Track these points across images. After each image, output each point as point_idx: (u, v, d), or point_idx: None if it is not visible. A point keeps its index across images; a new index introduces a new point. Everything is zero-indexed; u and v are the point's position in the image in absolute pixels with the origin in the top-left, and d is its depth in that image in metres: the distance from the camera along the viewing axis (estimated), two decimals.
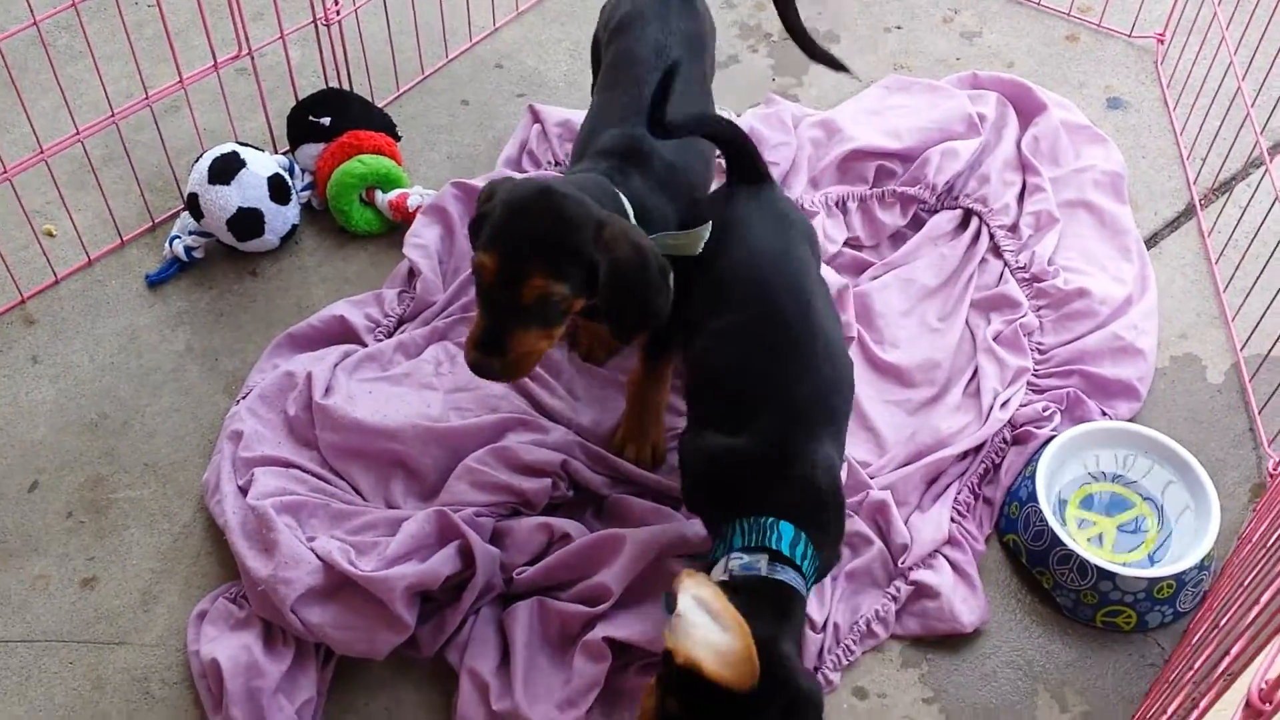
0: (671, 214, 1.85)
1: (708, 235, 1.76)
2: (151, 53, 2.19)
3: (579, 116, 2.37)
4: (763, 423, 1.64)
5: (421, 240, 2.20)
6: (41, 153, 2.10)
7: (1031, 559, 1.89)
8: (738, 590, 1.52)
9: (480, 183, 2.25)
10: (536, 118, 2.40)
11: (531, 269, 1.61)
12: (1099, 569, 1.81)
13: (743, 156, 1.87)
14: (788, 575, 1.56)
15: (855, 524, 1.91)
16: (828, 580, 1.86)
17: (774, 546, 1.57)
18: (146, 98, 2.14)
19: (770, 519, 1.58)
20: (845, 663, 1.83)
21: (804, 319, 1.70)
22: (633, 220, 1.75)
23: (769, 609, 1.52)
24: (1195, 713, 1.29)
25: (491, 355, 1.64)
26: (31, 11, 1.99)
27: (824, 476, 1.63)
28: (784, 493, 1.61)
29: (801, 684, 1.48)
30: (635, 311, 1.69)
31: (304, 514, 1.88)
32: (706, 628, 1.39)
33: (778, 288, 1.73)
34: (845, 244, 2.23)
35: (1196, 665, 1.51)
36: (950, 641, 1.85)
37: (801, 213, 1.92)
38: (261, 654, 1.78)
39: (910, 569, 1.88)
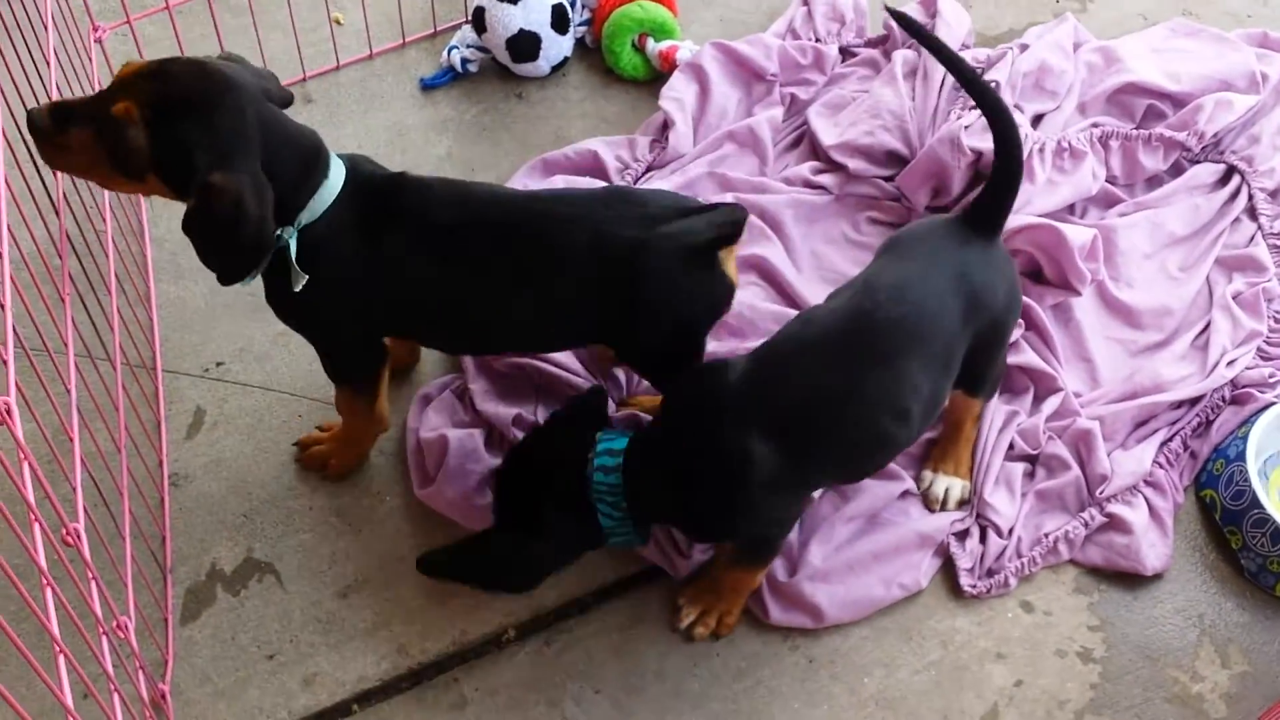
0: (348, 254, 1.62)
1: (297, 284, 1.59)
2: None
3: None
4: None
5: (678, 94, 2.25)
6: None
7: (1225, 517, 1.90)
8: None
9: (744, 46, 2.30)
10: (806, 1, 2.43)
11: (132, 94, 1.48)
12: None
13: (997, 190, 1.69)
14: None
15: (1055, 446, 1.94)
16: (1017, 493, 1.90)
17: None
18: None
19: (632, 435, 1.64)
20: (1027, 573, 1.87)
21: (874, 342, 1.59)
22: (317, 207, 1.59)
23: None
24: None
25: (50, 124, 1.49)
26: None
27: (723, 450, 1.56)
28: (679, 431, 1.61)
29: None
30: (203, 254, 1.55)
31: None
32: None
33: (867, 300, 1.62)
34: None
35: None
36: (1127, 579, 1.87)
37: (1003, 272, 1.72)
38: (481, 445, 1.90)
39: (1108, 499, 1.90)
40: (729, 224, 1.63)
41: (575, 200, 1.66)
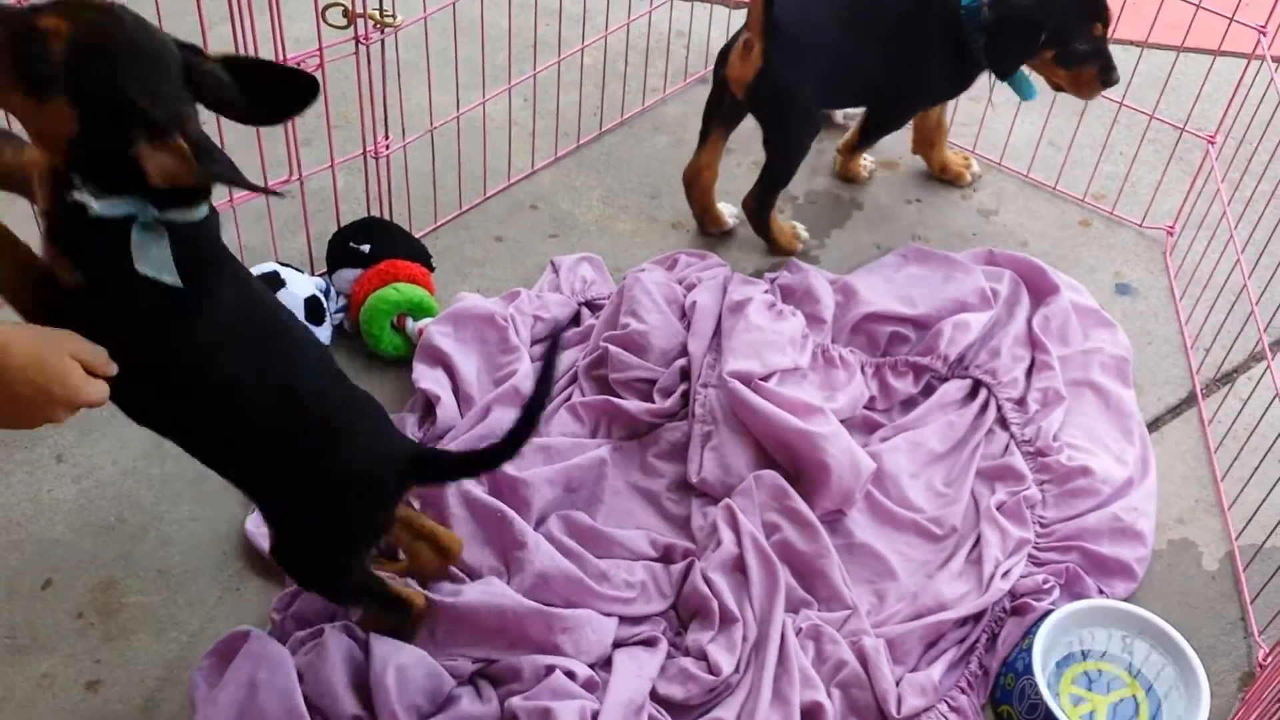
0: None
1: None
2: None
3: (593, 258, 2.51)
4: None
5: (427, 376, 2.26)
6: None
7: None
8: None
9: (463, 305, 2.33)
10: (555, 269, 2.50)
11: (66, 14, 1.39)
12: None
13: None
14: None
15: (845, 654, 1.95)
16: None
17: None
18: None
19: None
20: None
21: None
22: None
23: None
24: None
25: None
26: None
27: None
28: None
29: None
30: None
31: None
32: None
33: None
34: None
35: None
36: None
37: None
38: None
39: None
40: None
41: None
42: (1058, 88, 2.54)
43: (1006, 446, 2.26)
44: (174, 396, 1.60)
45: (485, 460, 1.80)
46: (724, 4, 2.99)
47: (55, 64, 1.37)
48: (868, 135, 2.67)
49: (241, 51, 2.08)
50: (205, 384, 1.59)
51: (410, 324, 2.34)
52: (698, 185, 2.56)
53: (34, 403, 1.39)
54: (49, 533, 2.09)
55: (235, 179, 1.45)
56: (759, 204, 2.52)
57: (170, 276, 1.44)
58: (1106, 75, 2.47)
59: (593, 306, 2.44)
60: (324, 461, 1.69)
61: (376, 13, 2.16)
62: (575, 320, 2.42)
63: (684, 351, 2.29)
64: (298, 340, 1.69)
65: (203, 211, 1.51)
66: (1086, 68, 2.46)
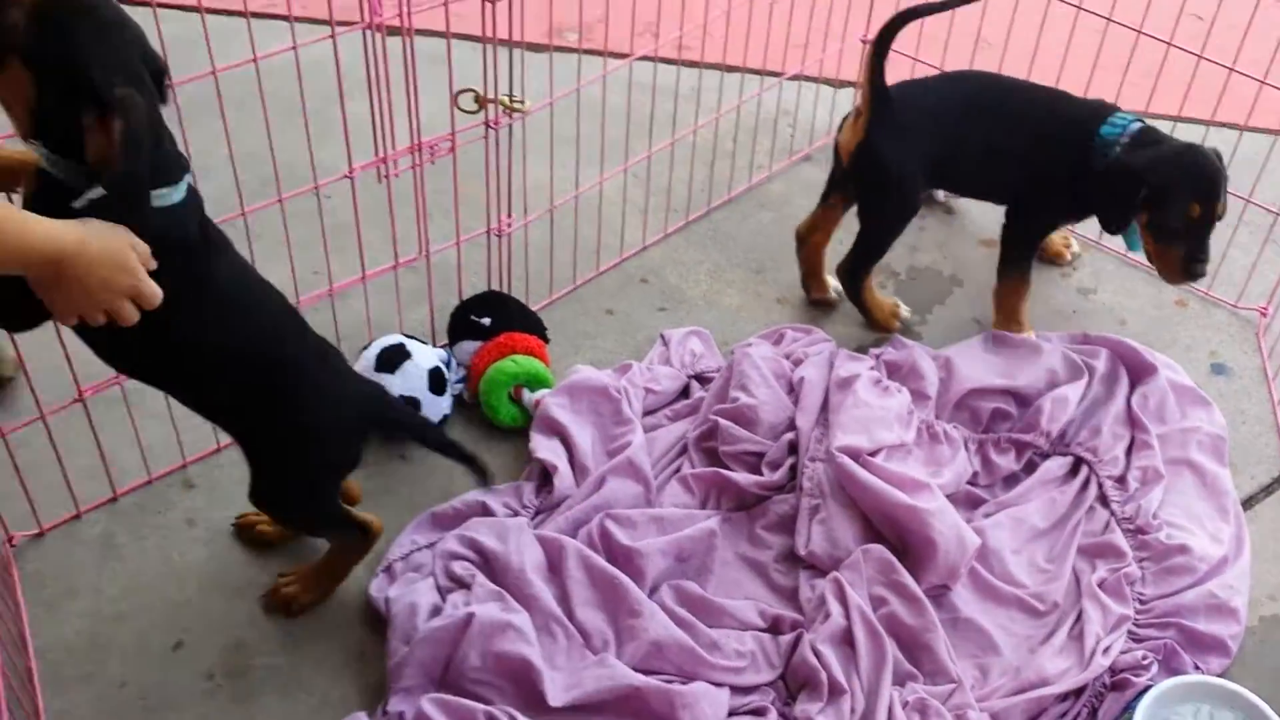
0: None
1: None
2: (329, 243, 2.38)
3: (701, 332, 2.60)
4: None
5: (545, 446, 2.34)
6: None
7: None
8: None
9: (579, 376, 2.41)
10: (665, 343, 2.59)
11: None
12: None
13: None
14: None
15: None
16: None
17: None
18: (330, 288, 2.33)
19: None
20: None
21: None
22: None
23: None
24: None
25: None
26: (241, 205, 2.18)
27: None
28: None
29: None
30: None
31: None
32: None
33: None
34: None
35: None
36: None
37: None
38: None
39: None
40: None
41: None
42: (1150, 258, 2.46)
43: (1107, 524, 2.31)
44: (169, 355, 1.79)
45: (426, 435, 2.15)
46: (830, 84, 3.07)
47: (14, 29, 1.44)
48: (1004, 253, 2.60)
49: (379, 126, 2.19)
50: (196, 344, 1.78)
51: (527, 395, 2.43)
52: (808, 243, 2.64)
53: (100, 290, 1.49)
54: (179, 595, 2.17)
55: (128, 189, 1.50)
56: (850, 272, 2.59)
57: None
58: (1190, 265, 2.37)
59: (701, 379, 2.53)
60: (303, 407, 1.92)
61: (507, 99, 2.26)
62: (685, 393, 2.51)
63: (792, 425, 2.37)
64: (279, 308, 1.92)
65: (175, 197, 1.63)
66: (1174, 248, 2.38)
